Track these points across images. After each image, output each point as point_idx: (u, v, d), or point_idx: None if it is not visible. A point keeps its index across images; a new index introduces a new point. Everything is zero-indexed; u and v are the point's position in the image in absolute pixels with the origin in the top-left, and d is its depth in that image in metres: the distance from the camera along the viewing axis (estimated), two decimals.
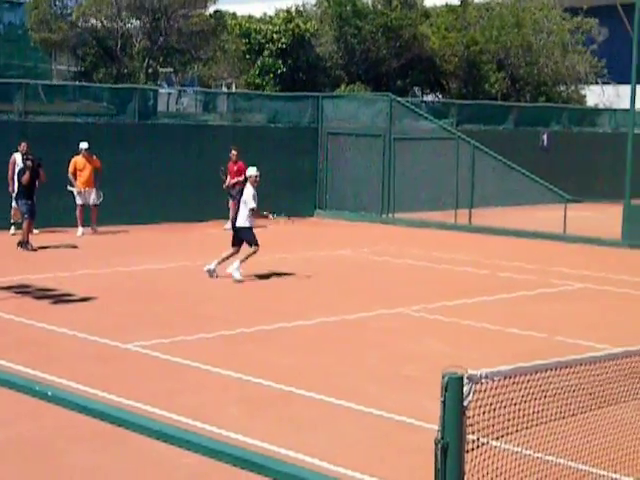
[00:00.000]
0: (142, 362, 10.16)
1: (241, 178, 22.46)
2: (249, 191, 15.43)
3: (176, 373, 9.75)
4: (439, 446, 4.66)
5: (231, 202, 22.65)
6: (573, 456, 6.11)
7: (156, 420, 4.56)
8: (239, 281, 15.19)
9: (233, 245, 15.60)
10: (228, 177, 22.62)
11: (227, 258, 15.56)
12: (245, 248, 15.53)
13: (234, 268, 15.27)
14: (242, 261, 15.39)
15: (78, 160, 21.04)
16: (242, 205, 15.50)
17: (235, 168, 22.60)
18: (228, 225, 22.35)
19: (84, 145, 21.01)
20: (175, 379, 9.50)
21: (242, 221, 15.46)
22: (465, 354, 10.44)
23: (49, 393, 4.06)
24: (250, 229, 15.49)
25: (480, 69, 37.14)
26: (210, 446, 3.56)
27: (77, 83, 32.46)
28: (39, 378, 8.80)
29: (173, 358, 10.21)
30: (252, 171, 15.67)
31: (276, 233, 22.17)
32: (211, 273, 15.43)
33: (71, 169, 20.99)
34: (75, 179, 21.02)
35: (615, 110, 37.54)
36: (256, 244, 15.43)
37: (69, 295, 13.70)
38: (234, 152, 22.55)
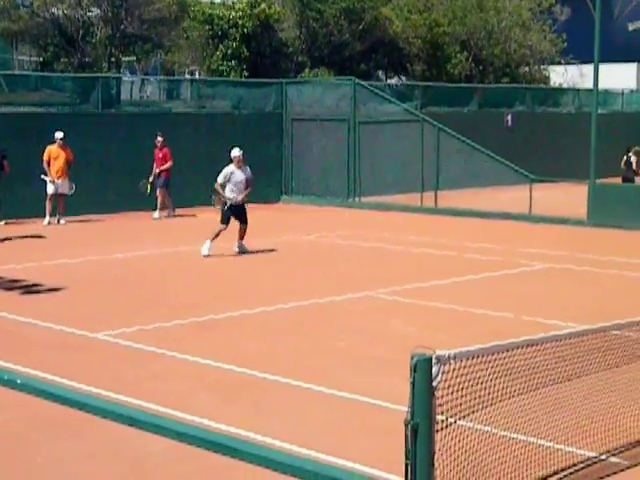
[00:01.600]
0: (111, 351, 10.15)
1: (166, 166, 22.36)
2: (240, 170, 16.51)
3: (145, 361, 9.75)
4: (409, 427, 4.73)
5: (159, 190, 22.49)
6: (535, 432, 6.21)
7: (125, 406, 4.58)
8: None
9: (226, 223, 16.57)
10: (154, 166, 22.40)
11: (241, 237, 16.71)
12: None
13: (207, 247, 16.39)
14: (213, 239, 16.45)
15: (52, 149, 20.92)
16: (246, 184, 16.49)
17: (160, 155, 22.44)
18: (157, 214, 22.32)
19: (59, 135, 20.88)
20: (144, 367, 9.51)
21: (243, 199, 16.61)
22: (433, 335, 10.52)
23: (18, 381, 4.07)
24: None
25: (443, 51, 37.23)
26: (178, 430, 3.59)
27: (39, 73, 32.17)
28: (7, 368, 8.77)
29: (142, 346, 10.21)
30: (235, 152, 16.60)
31: None
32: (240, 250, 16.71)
33: (45, 157, 20.88)
34: (49, 168, 20.90)
35: (579, 90, 37.79)
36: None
37: (37, 285, 13.64)
38: (159, 138, 22.36)
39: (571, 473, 6.20)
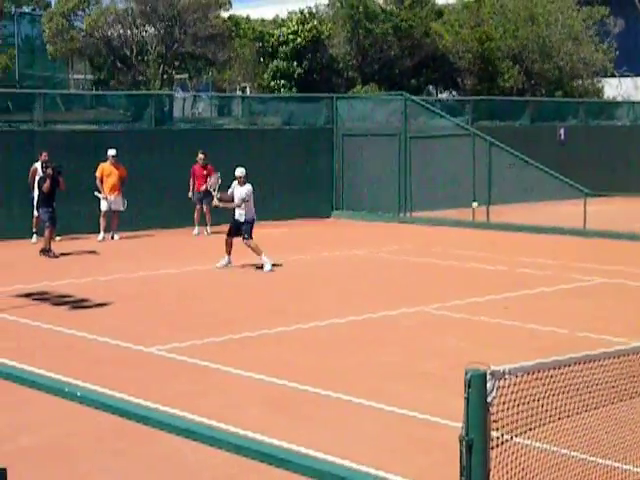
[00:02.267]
0: (163, 365, 10.22)
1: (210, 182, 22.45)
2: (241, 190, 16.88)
3: (197, 375, 9.80)
4: (464, 443, 4.67)
5: (199, 207, 22.53)
6: (596, 450, 6.10)
7: (182, 418, 4.60)
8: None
9: (230, 235, 16.98)
10: (195, 182, 22.48)
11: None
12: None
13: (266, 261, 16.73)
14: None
15: (105, 166, 21.19)
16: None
17: (205, 172, 22.49)
18: (196, 230, 22.43)
19: (112, 152, 21.15)
20: (196, 381, 9.55)
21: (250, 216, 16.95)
22: (487, 351, 10.43)
23: (78, 394, 4.10)
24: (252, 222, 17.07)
25: (495, 65, 37.05)
26: (236, 442, 3.58)
27: (94, 91, 32.66)
28: (65, 382, 8.86)
29: (194, 360, 10.26)
30: (237, 171, 17.07)
31: (293, 235, 22.27)
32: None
33: (98, 175, 21.15)
34: (102, 185, 21.17)
35: (633, 103, 37.33)
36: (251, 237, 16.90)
37: (90, 300, 13.79)
38: (201, 156, 22.38)
39: None
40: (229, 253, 16.93)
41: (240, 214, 16.84)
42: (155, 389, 9.12)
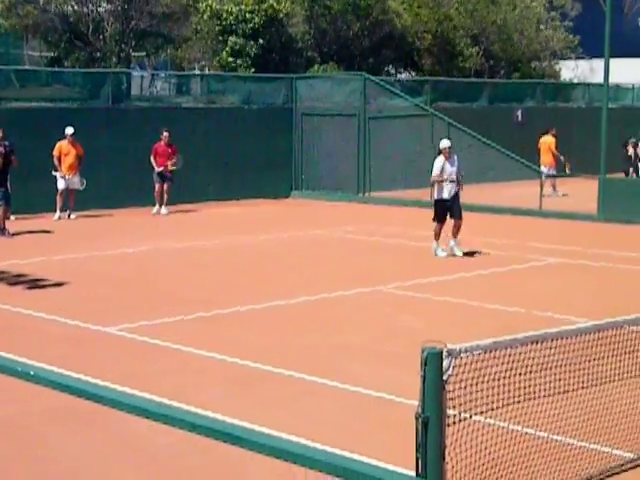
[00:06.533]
0: (121, 345, 10.14)
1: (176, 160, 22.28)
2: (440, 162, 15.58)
3: (156, 355, 9.74)
4: (420, 420, 4.69)
5: (158, 185, 22.35)
6: (556, 430, 6.15)
7: (139, 397, 4.58)
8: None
9: (441, 221, 15.95)
10: (157, 161, 22.23)
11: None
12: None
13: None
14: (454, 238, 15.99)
15: (63, 145, 20.94)
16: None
17: (170, 150, 22.30)
18: (156, 209, 22.24)
19: (70, 130, 20.88)
20: (155, 361, 9.50)
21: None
22: (443, 330, 10.48)
23: (31, 373, 4.06)
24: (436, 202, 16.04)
25: (454, 45, 37.09)
26: (193, 421, 3.57)
27: (49, 68, 32.18)
28: (20, 361, 8.75)
29: (153, 340, 10.20)
30: (445, 143, 15.86)
31: (252, 214, 22.22)
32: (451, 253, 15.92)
33: (56, 153, 20.88)
34: (60, 164, 20.91)
35: (589, 85, 37.63)
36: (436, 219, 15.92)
37: (46, 280, 13.65)
38: (166, 134, 22.16)
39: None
40: (437, 240, 15.99)
41: (450, 190, 15.61)
42: (111, 369, 9.05)
